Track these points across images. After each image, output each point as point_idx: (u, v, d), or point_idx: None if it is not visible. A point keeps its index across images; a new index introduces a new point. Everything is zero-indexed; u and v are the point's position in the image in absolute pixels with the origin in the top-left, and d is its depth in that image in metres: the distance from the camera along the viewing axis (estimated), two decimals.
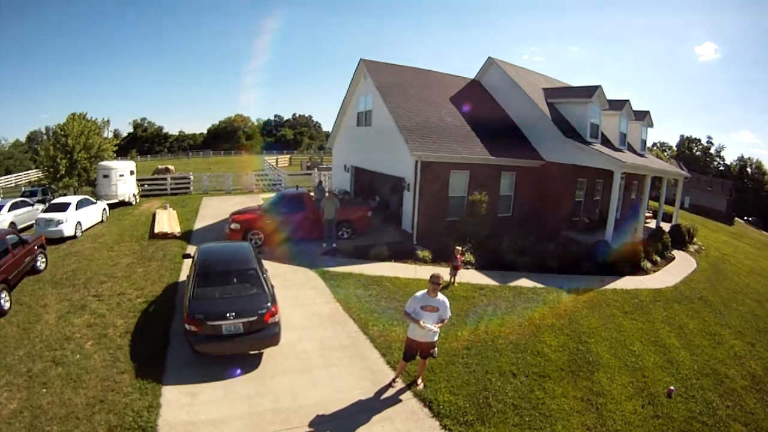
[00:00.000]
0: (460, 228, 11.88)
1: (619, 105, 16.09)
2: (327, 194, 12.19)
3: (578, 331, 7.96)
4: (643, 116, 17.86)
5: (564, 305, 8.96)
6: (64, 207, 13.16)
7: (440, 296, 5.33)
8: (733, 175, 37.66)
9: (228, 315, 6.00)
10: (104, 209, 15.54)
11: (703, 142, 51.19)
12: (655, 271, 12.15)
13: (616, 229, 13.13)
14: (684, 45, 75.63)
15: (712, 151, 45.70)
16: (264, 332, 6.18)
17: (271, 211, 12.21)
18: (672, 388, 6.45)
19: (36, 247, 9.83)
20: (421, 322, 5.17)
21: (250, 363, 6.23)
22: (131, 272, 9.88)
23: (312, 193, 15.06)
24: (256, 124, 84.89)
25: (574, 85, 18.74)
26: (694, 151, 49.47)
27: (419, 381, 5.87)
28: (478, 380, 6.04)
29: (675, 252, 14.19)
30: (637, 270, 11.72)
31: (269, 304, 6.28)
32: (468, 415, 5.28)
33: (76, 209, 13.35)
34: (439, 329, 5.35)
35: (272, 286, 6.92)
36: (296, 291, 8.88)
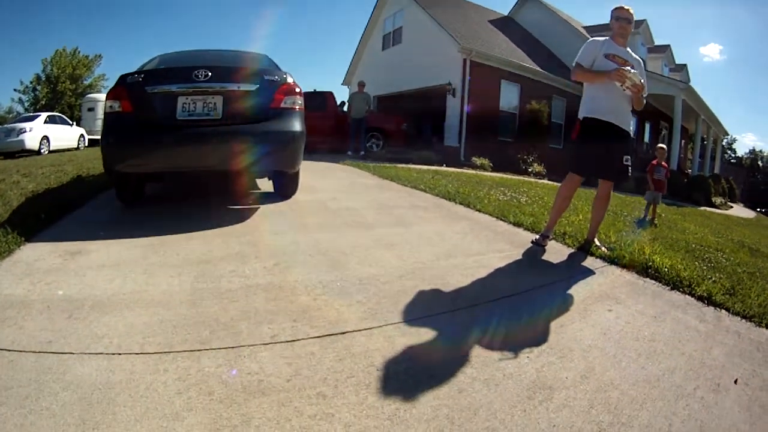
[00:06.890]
0: (516, 145, 10.07)
1: (661, 49, 14.99)
2: (357, 88, 9.53)
3: (709, 225, 6.25)
4: (681, 68, 16.83)
5: (672, 211, 7.32)
6: (31, 118, 11.46)
7: (630, 51, 2.85)
8: (744, 167, 38.20)
9: (195, 75, 2.97)
10: (82, 135, 13.29)
11: None
12: (725, 209, 10.84)
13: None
14: (689, 44, 76.34)
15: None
16: (269, 125, 3.06)
17: None
18: None
19: None
20: (622, 69, 2.56)
21: (222, 216, 3.16)
22: (86, 162, 7.18)
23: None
24: None
25: None
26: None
27: (596, 240, 2.95)
28: (672, 242, 3.68)
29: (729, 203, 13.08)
30: (708, 203, 10.35)
31: (286, 76, 3.34)
32: (722, 281, 2.62)
33: (45, 123, 11.36)
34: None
35: None
36: (321, 172, 6.09)
